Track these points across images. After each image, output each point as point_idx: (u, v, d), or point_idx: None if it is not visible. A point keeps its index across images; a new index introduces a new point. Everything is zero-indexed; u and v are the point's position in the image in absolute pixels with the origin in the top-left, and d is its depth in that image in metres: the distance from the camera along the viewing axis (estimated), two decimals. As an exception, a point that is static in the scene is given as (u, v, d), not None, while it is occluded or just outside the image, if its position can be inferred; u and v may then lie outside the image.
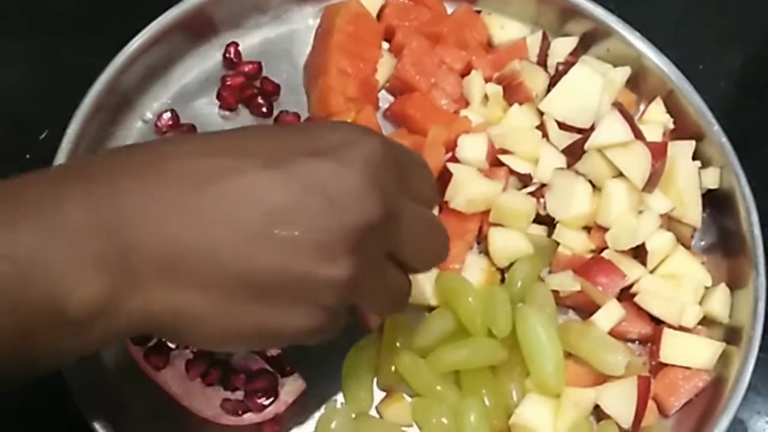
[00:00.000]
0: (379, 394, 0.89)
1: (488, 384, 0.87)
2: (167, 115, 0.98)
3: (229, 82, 1.00)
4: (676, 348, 0.89)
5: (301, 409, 0.87)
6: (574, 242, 0.92)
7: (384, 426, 0.86)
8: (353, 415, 0.86)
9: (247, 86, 1.01)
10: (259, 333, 0.62)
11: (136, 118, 0.99)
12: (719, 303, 0.91)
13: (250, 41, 1.03)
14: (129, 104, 0.98)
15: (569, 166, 0.94)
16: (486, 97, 1.00)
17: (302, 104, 1.02)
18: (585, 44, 1.01)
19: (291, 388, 0.86)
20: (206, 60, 1.02)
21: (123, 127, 0.98)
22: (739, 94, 1.09)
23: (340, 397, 0.88)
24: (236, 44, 1.02)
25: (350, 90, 0.99)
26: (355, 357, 0.89)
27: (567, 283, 0.90)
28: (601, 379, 0.87)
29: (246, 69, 1.01)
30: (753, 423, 0.93)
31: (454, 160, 0.95)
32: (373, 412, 0.88)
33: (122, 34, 0.95)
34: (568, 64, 0.97)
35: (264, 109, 1.00)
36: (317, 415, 0.87)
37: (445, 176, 0.93)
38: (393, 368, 0.87)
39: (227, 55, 1.02)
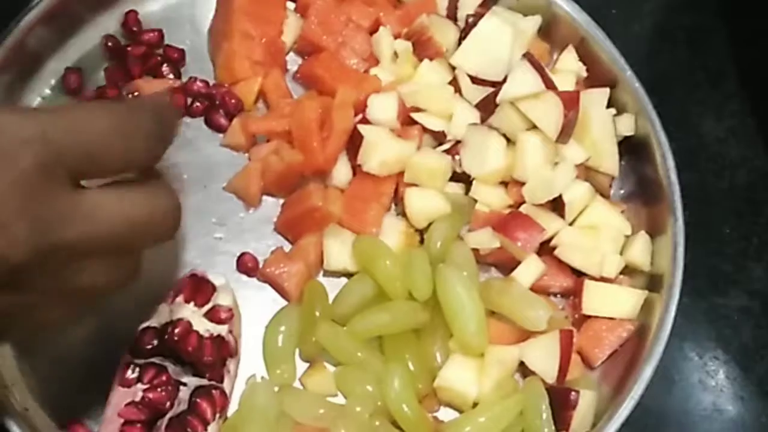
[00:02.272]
0: (302, 365, 0.87)
1: (412, 348, 0.86)
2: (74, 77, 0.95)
3: (130, 52, 0.96)
4: (598, 299, 0.88)
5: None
6: (491, 198, 0.91)
7: (309, 397, 0.84)
8: (276, 388, 0.84)
9: (150, 55, 0.97)
10: None
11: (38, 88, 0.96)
12: (640, 251, 0.90)
13: (150, 7, 0.99)
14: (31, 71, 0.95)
15: (483, 121, 0.92)
16: (395, 54, 0.97)
17: (209, 71, 0.98)
18: (494, -5, 0.99)
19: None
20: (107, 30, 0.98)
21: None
22: (654, 38, 1.08)
23: (261, 371, 0.85)
24: (135, 12, 0.98)
25: (256, 54, 0.96)
26: (274, 328, 0.87)
27: (486, 240, 0.89)
28: (525, 335, 0.86)
29: (147, 38, 0.97)
30: (679, 369, 0.93)
31: (365, 121, 0.92)
32: (296, 384, 0.86)
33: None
34: (478, 16, 0.95)
35: (171, 75, 0.97)
36: (239, 390, 0.84)
37: (357, 139, 0.90)
38: (314, 338, 0.85)
39: (126, 23, 0.98)
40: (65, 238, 0.61)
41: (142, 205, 0.67)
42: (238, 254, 0.90)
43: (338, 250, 0.89)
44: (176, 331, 0.81)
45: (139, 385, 0.80)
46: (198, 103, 0.95)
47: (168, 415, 0.79)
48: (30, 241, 0.59)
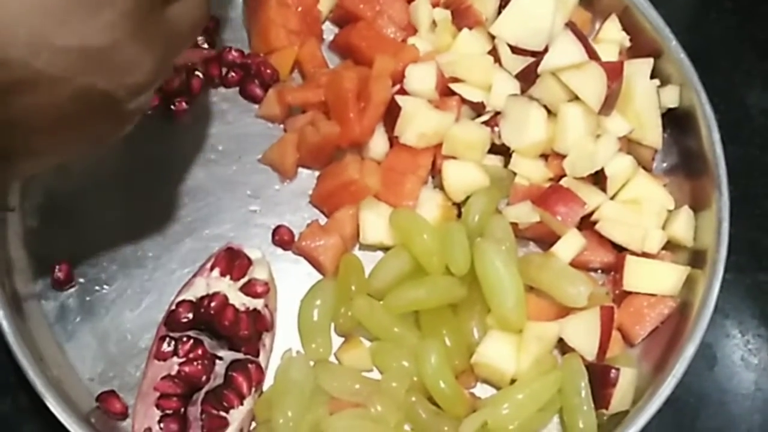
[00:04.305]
0: (338, 340, 0.86)
1: (448, 323, 0.84)
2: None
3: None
4: (639, 275, 0.86)
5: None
6: (531, 171, 0.89)
7: (344, 372, 0.84)
8: (312, 363, 0.83)
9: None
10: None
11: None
12: (683, 226, 0.88)
13: (184, -25, 0.98)
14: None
15: (523, 91, 0.90)
16: (434, 23, 0.95)
17: (243, 40, 0.97)
18: (535, -38, 0.97)
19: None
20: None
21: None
22: (698, 6, 1.05)
23: (297, 345, 0.85)
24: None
25: (292, 22, 0.95)
26: (310, 303, 0.86)
27: (525, 214, 0.87)
28: (564, 311, 0.85)
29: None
30: (721, 347, 0.91)
31: (403, 92, 0.90)
32: (332, 359, 0.85)
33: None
34: (519, -16, 0.93)
35: (206, 45, 0.96)
36: (274, 365, 0.84)
37: (394, 110, 0.89)
38: (349, 313, 0.84)
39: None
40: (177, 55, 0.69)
41: None
42: (273, 227, 0.89)
43: (374, 223, 0.88)
44: (212, 304, 0.80)
45: (175, 359, 0.80)
46: (233, 73, 0.94)
47: (204, 389, 0.79)
48: (155, 68, 0.66)
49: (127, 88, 0.66)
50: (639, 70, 0.92)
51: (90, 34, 0.61)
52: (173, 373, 0.79)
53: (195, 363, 0.79)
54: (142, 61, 0.66)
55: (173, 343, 0.80)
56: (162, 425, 0.77)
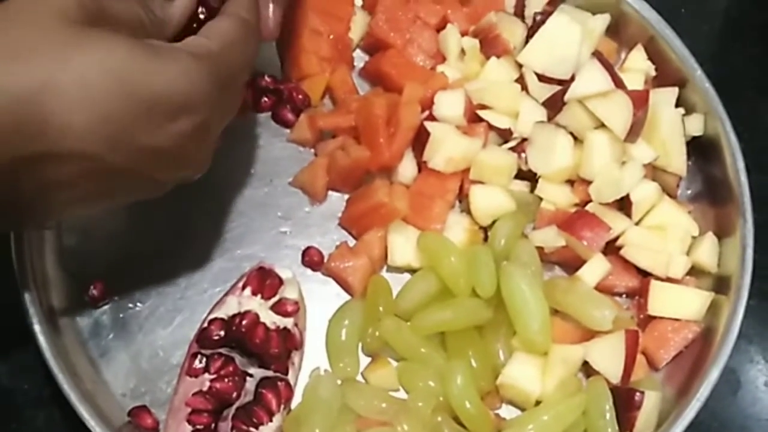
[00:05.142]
0: (365, 360, 0.87)
1: (474, 345, 0.85)
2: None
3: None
4: (664, 300, 0.87)
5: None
6: (557, 197, 0.91)
7: (371, 391, 0.85)
8: (339, 381, 0.84)
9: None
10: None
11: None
12: (707, 252, 0.89)
13: (218, 3, 1.00)
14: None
15: (550, 119, 0.92)
16: (462, 52, 0.97)
17: (276, 66, 0.99)
18: (562, -8, 0.99)
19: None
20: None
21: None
22: (723, 37, 1.06)
23: (325, 364, 0.86)
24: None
25: (324, 50, 0.97)
26: (338, 322, 0.87)
27: (551, 238, 0.88)
28: (589, 335, 0.86)
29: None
30: (745, 372, 0.92)
31: (431, 118, 0.92)
32: (359, 378, 0.86)
33: None
34: (546, 14, 0.94)
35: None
36: (303, 383, 0.85)
37: (423, 136, 0.91)
38: (377, 333, 0.85)
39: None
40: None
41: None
42: (303, 248, 0.91)
43: (402, 245, 0.89)
44: (244, 322, 0.82)
45: (207, 375, 0.81)
46: (266, 99, 0.96)
47: (234, 406, 0.80)
48: (207, 163, 0.76)
49: (178, 180, 0.74)
50: (664, 98, 0.93)
51: (164, 139, 0.67)
52: (204, 389, 0.80)
53: (226, 380, 0.80)
54: (201, 160, 0.75)
55: (205, 359, 0.82)
56: None
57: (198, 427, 0.79)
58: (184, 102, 0.67)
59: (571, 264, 0.89)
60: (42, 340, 0.81)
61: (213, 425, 0.80)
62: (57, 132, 0.61)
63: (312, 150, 0.95)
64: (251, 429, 0.79)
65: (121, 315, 0.87)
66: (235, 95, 0.76)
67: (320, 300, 0.89)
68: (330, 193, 0.94)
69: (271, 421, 0.80)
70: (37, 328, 0.81)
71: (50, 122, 0.61)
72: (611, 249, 0.89)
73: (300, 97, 0.95)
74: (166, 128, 0.66)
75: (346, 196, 0.93)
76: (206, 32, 0.72)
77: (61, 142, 0.61)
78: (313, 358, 0.86)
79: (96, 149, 0.63)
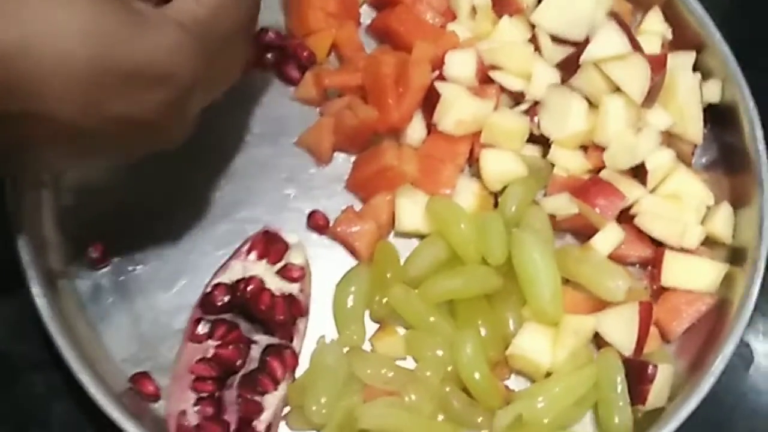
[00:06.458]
0: (372, 326, 0.85)
1: (484, 314, 0.83)
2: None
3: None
4: (678, 271, 0.85)
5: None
6: (570, 162, 0.88)
7: (378, 359, 0.83)
8: (346, 349, 0.82)
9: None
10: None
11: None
12: (722, 222, 0.87)
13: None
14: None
15: (563, 81, 0.89)
16: (474, 10, 0.94)
17: (280, 22, 0.96)
18: (577, -50, 0.95)
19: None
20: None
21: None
22: (743, 0, 1.03)
23: (330, 331, 0.84)
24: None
25: (330, 5, 0.94)
26: (344, 289, 0.85)
27: (564, 206, 0.86)
28: (600, 305, 0.84)
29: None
30: (759, 346, 0.90)
31: (441, 78, 0.89)
32: (366, 345, 0.84)
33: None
34: (560, -28, 0.91)
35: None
36: (307, 350, 0.83)
37: (432, 97, 0.88)
38: (384, 300, 0.83)
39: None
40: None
41: None
42: (307, 211, 0.88)
43: (411, 210, 0.87)
44: (249, 288, 0.80)
45: (210, 342, 0.79)
46: (269, 55, 0.93)
47: (239, 374, 0.78)
48: (190, 130, 0.71)
49: (153, 148, 0.71)
50: (681, 63, 0.91)
51: (139, 109, 0.64)
52: (209, 356, 0.78)
53: (230, 346, 0.78)
54: (178, 132, 0.71)
55: (208, 326, 0.80)
56: (197, 408, 0.77)
57: (202, 394, 0.77)
58: (164, 74, 0.64)
59: (583, 232, 0.87)
60: (40, 303, 0.78)
61: (217, 393, 0.78)
62: (30, 94, 0.59)
63: (317, 109, 0.92)
64: (256, 397, 0.77)
65: (121, 278, 0.84)
66: (228, 64, 0.73)
67: (326, 264, 0.86)
68: (335, 154, 0.91)
69: (276, 389, 0.78)
70: (35, 291, 0.78)
71: (24, 83, 0.58)
72: (624, 217, 0.87)
73: (305, 53, 0.92)
74: (143, 98, 0.64)
75: (352, 158, 0.91)
76: None
77: (33, 103, 0.60)
78: (318, 324, 0.84)
79: (68, 114, 0.61)
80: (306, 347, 0.83)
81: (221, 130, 0.89)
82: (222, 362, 0.78)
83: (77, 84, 0.60)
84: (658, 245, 0.87)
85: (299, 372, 0.82)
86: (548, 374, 0.82)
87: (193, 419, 0.76)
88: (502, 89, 0.90)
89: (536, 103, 0.89)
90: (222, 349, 0.78)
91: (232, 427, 0.76)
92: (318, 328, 0.84)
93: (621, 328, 0.82)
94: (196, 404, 0.77)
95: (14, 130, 0.62)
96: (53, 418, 0.83)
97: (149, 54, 0.62)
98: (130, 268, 0.85)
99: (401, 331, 0.84)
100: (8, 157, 0.66)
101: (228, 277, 0.81)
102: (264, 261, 0.82)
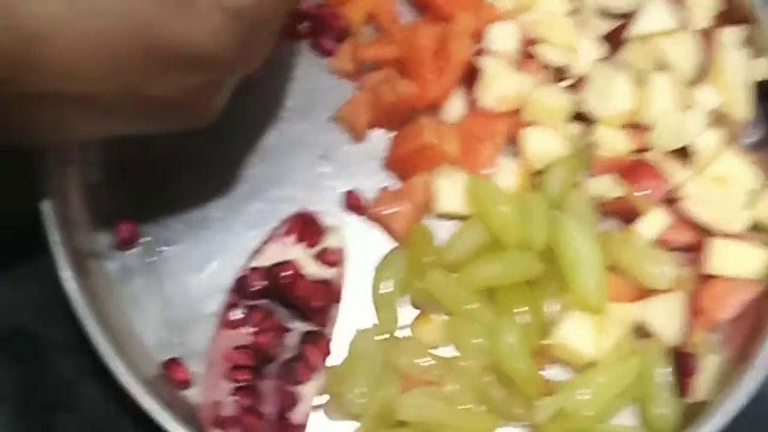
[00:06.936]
0: (411, 312, 0.82)
1: (525, 301, 0.81)
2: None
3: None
4: (723, 257, 0.82)
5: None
6: (614, 142, 0.85)
7: (414, 347, 0.80)
8: (384, 337, 0.80)
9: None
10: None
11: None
12: (769, 207, 0.84)
13: None
14: None
15: (608, 56, 0.86)
16: (515, -21, 0.90)
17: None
18: None
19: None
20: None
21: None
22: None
23: (363, 317, 0.81)
24: None
25: (368, -28, 0.90)
26: (382, 273, 0.82)
27: (607, 188, 0.83)
28: (643, 293, 0.81)
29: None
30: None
31: (480, 52, 0.86)
32: (407, 331, 0.81)
33: None
34: (606, -58, 0.87)
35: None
36: (340, 337, 0.80)
37: (473, 71, 0.84)
38: (422, 286, 0.80)
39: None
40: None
41: None
42: (343, 190, 0.85)
43: (449, 192, 0.84)
44: (286, 273, 0.77)
45: (246, 328, 0.77)
46: (303, 24, 0.89)
47: (275, 362, 0.76)
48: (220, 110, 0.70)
49: (181, 127, 0.69)
50: (730, 38, 0.87)
51: (171, 90, 0.63)
52: (245, 343, 0.76)
53: (267, 334, 0.76)
54: (209, 112, 0.70)
55: (244, 312, 0.77)
56: (236, 398, 0.74)
57: (240, 384, 0.75)
58: (206, 58, 0.62)
59: (625, 216, 0.84)
60: (69, 285, 0.75)
61: (253, 383, 0.75)
62: (60, 75, 0.58)
63: (351, 82, 0.89)
64: (293, 387, 0.75)
65: (151, 259, 0.82)
66: (260, 48, 0.69)
67: (362, 246, 0.83)
68: (370, 130, 0.87)
69: (311, 379, 0.76)
70: (63, 272, 0.76)
71: (53, 64, 0.57)
72: (667, 201, 0.84)
73: (340, 23, 0.88)
74: (182, 81, 0.63)
75: (388, 134, 0.87)
76: None
77: (62, 83, 0.58)
78: (353, 310, 0.81)
79: (106, 96, 0.61)
80: (339, 334, 0.80)
81: (253, 104, 0.86)
82: (259, 350, 0.76)
83: (116, 66, 0.59)
84: (702, 230, 0.84)
85: (330, 359, 0.79)
86: (589, 364, 0.80)
87: (229, 410, 0.74)
88: (543, 65, 0.87)
89: (580, 79, 0.86)
90: (258, 336, 0.76)
91: (271, 418, 0.74)
92: (354, 313, 0.81)
93: (666, 317, 0.80)
94: (234, 394, 0.74)
95: (46, 107, 0.60)
96: (80, 403, 0.81)
97: (192, 37, 0.60)
98: (159, 249, 0.82)
99: (441, 317, 0.82)
100: (38, 126, 0.64)
101: (265, 260, 0.79)
102: (302, 244, 0.79)
